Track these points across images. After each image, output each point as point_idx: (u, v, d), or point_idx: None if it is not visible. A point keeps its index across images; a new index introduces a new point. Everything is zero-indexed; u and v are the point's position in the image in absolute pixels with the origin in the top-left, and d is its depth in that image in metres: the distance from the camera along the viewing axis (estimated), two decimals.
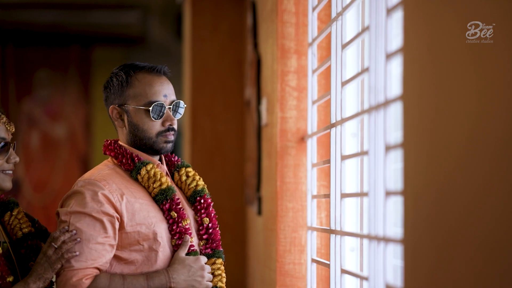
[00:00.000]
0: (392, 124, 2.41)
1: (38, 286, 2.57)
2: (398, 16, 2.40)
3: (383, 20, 2.43)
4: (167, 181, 2.78)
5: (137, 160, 2.78)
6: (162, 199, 2.75)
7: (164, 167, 2.86)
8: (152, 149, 2.80)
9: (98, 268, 2.65)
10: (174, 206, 2.75)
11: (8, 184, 2.68)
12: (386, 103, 2.40)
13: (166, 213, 2.75)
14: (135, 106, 2.78)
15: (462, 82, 1.64)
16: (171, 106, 2.78)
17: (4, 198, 2.78)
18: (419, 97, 1.83)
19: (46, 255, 2.59)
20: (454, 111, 1.67)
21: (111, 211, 2.67)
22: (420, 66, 1.83)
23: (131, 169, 2.78)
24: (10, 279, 2.57)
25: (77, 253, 2.62)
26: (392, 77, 2.43)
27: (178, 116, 2.82)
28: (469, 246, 1.61)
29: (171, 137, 2.79)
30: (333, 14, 3.08)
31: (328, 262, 3.18)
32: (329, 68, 3.40)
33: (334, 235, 3.01)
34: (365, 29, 2.63)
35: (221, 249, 2.84)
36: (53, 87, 11.22)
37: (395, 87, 2.41)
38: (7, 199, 2.78)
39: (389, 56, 2.39)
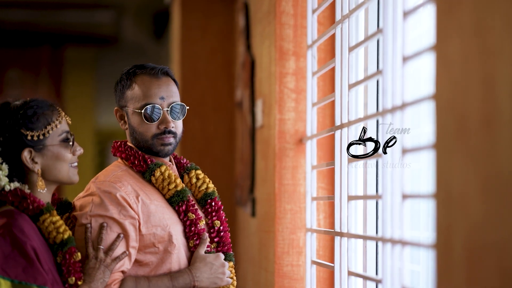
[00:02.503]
0: (409, 127, 2.42)
1: None
2: (413, 19, 2.42)
3: (400, 22, 2.43)
4: (181, 182, 2.77)
5: (149, 162, 2.75)
6: (178, 201, 2.74)
7: (175, 168, 2.85)
8: (151, 152, 2.77)
9: (123, 271, 2.63)
10: (190, 208, 2.74)
11: (77, 178, 2.65)
12: (403, 105, 2.41)
13: (182, 215, 2.73)
14: (132, 109, 2.76)
15: (498, 80, 1.64)
16: (169, 109, 2.75)
17: (60, 199, 2.74)
18: (453, 96, 1.82)
19: (99, 258, 2.58)
20: (490, 110, 1.67)
21: (132, 213, 2.65)
22: (454, 64, 1.82)
23: (144, 171, 2.76)
24: (80, 282, 2.55)
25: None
26: (403, 80, 2.44)
27: (179, 119, 2.79)
28: (508, 252, 1.61)
29: (168, 140, 2.75)
30: (338, 17, 3.08)
31: (331, 264, 3.18)
32: (330, 70, 3.41)
33: (339, 237, 3.01)
34: (377, 32, 2.63)
35: (232, 252, 2.84)
36: (24, 87, 11.11)
37: (413, 90, 2.42)
38: (62, 200, 2.74)
39: (406, 58, 2.39)
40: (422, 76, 2.67)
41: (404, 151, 2.39)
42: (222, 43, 5.53)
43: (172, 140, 2.76)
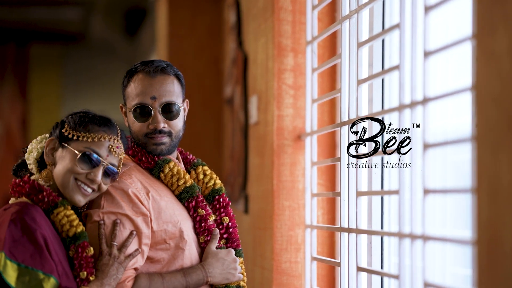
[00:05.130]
0: (430, 122, 2.42)
1: (113, 286, 2.53)
2: (434, 14, 2.42)
3: (422, 18, 2.43)
4: (190, 178, 2.74)
5: (156, 158, 2.72)
6: (187, 197, 2.72)
7: (182, 165, 2.82)
8: (147, 150, 2.75)
9: (136, 269, 2.60)
10: (199, 204, 2.72)
11: (80, 200, 2.56)
12: (425, 100, 2.41)
13: (192, 211, 2.71)
14: (128, 107, 2.75)
15: None
16: (160, 108, 2.72)
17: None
18: (499, 88, 1.81)
19: (113, 255, 2.54)
20: None
21: (143, 209, 2.62)
22: (500, 55, 1.81)
23: (152, 167, 2.73)
24: (92, 278, 2.52)
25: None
26: (424, 75, 2.44)
27: (173, 118, 2.73)
28: None
29: (159, 139, 2.72)
30: (345, 12, 3.07)
31: (336, 261, 3.17)
32: (329, 67, 3.40)
33: (347, 233, 3.00)
34: (392, 27, 2.63)
35: (241, 248, 2.82)
36: None
37: (432, 85, 2.42)
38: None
39: (427, 53, 2.39)
40: (436, 71, 2.67)
41: (426, 147, 2.40)
42: (210, 40, 5.51)
43: (165, 139, 2.73)
